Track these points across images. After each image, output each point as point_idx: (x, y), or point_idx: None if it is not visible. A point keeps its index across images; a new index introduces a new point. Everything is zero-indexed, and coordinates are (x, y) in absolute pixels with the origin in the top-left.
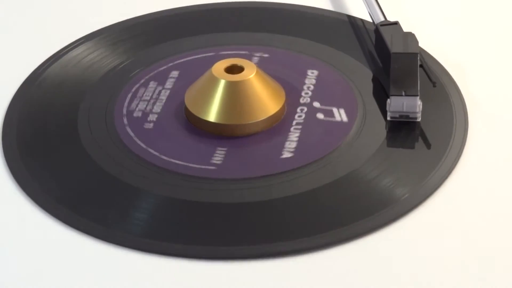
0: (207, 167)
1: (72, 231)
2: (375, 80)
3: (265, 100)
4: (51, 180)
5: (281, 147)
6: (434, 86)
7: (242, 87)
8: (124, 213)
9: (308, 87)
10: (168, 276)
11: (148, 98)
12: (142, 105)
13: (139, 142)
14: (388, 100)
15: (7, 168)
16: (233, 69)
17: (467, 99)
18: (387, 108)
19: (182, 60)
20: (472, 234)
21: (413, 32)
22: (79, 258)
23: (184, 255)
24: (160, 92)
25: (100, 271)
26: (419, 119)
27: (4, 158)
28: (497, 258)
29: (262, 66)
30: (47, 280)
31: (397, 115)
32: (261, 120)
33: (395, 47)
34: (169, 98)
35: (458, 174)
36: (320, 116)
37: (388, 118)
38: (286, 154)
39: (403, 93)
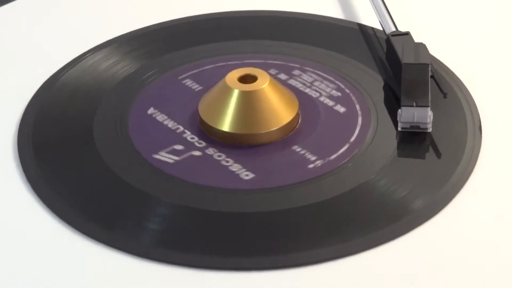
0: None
1: (85, 238)
2: (386, 88)
3: (279, 109)
4: (65, 185)
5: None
6: (445, 97)
7: (256, 97)
8: (136, 221)
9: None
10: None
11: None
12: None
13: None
14: (399, 111)
15: (22, 172)
16: (247, 79)
17: (480, 109)
18: (398, 119)
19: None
20: (488, 244)
21: (424, 43)
22: (92, 266)
23: (203, 266)
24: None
25: (113, 280)
26: (430, 130)
27: (19, 163)
28: None
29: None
30: (57, 287)
31: (408, 126)
32: (275, 130)
33: (406, 57)
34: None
35: (473, 184)
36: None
37: (399, 129)
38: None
39: (414, 104)
